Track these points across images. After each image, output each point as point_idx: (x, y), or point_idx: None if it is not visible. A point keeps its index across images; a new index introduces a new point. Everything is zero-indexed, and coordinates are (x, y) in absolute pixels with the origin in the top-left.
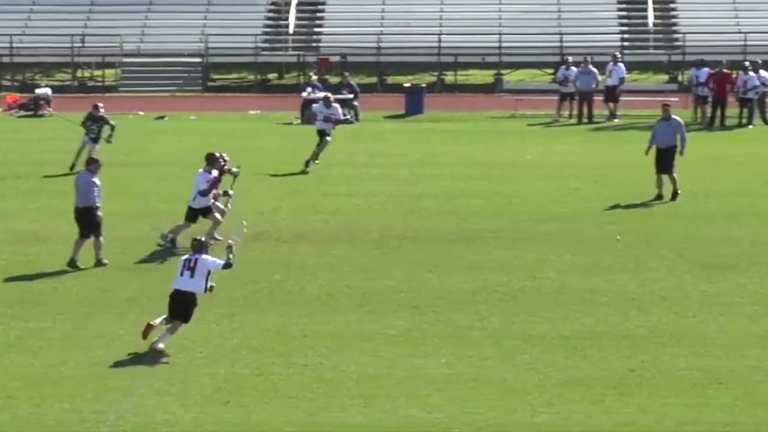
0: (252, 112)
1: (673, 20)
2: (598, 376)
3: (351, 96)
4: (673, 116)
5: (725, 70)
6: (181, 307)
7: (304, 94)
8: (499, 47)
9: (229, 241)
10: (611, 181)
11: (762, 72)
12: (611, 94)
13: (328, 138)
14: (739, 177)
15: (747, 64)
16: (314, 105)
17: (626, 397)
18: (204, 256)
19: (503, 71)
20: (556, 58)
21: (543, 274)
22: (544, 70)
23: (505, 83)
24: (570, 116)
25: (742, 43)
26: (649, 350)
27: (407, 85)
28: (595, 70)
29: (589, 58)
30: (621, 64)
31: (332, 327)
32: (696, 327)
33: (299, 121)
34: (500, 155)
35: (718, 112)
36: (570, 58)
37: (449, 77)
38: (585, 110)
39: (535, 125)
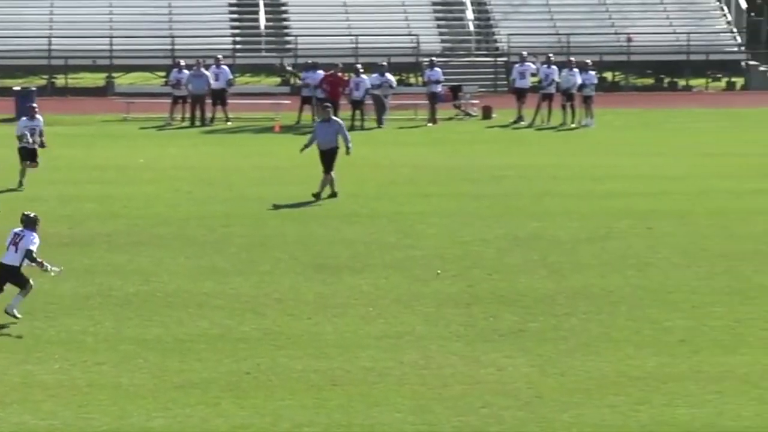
0: None
1: (285, 23)
2: (214, 379)
3: None
4: (333, 118)
5: (339, 73)
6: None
7: None
8: (110, 50)
9: (47, 264)
10: (225, 183)
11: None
12: (219, 97)
13: None
14: (353, 178)
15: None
16: None
17: (242, 400)
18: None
19: (115, 74)
20: (168, 61)
21: (157, 278)
22: (157, 74)
23: (117, 86)
24: (183, 119)
25: (354, 45)
26: (264, 353)
27: (17, 88)
28: (207, 73)
29: (201, 61)
30: (225, 67)
31: None
32: (311, 329)
33: None
34: (113, 158)
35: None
36: (182, 61)
37: (60, 80)
38: (198, 113)
39: (148, 128)
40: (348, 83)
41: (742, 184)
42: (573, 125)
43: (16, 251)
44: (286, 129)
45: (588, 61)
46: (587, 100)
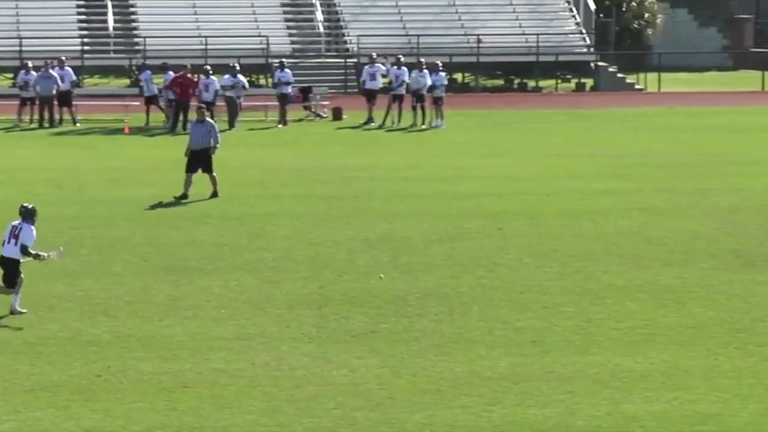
0: None
1: (134, 24)
2: (65, 382)
3: None
4: (207, 119)
5: (188, 74)
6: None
7: None
8: None
9: (42, 253)
10: (74, 185)
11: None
12: (64, 99)
13: None
14: (204, 180)
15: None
16: None
17: (93, 403)
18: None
19: None
20: (16, 63)
21: None
22: (4, 75)
23: None
24: (31, 121)
25: (203, 47)
26: (115, 355)
27: None
28: (55, 74)
29: (49, 63)
30: (69, 68)
31: None
32: (162, 331)
33: None
34: None
35: (182, 116)
36: (30, 63)
37: None
38: (46, 115)
39: None
40: (197, 85)
41: (591, 185)
42: (423, 126)
43: (15, 244)
44: (135, 131)
45: (438, 62)
46: (437, 101)
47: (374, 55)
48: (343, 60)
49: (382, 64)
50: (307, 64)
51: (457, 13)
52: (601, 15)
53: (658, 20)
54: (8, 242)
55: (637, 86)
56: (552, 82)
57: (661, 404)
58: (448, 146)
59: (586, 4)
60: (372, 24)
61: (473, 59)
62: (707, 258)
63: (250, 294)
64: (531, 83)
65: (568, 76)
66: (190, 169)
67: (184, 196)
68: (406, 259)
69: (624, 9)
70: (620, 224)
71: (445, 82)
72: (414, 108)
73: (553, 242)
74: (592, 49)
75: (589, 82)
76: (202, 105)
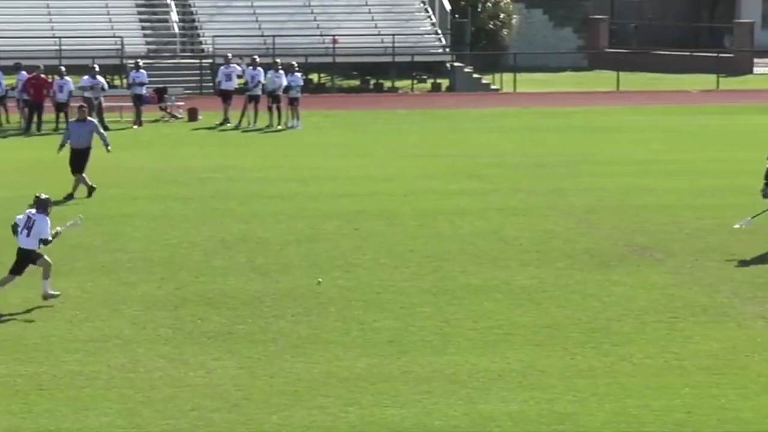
0: None
1: None
2: None
3: None
4: (89, 118)
5: (42, 75)
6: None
7: None
8: None
9: (58, 228)
10: None
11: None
12: None
13: None
14: (60, 182)
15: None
16: None
17: None
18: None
19: None
20: None
21: None
22: None
23: None
24: None
25: (57, 47)
26: None
27: None
28: None
29: None
30: None
31: None
32: (17, 333)
33: None
34: None
35: (36, 117)
36: None
37: None
38: None
39: None
40: (52, 85)
41: (448, 185)
42: (279, 127)
43: (28, 235)
44: None
45: (294, 62)
46: (293, 102)
47: (230, 55)
48: (198, 60)
49: (238, 64)
50: (163, 64)
51: (312, 13)
52: (457, 15)
53: (514, 21)
54: (22, 233)
55: (492, 86)
56: (408, 82)
57: (517, 404)
58: (305, 147)
59: (442, 5)
60: (227, 24)
61: (329, 60)
62: (563, 258)
63: (105, 295)
64: (387, 84)
65: (424, 77)
66: (76, 169)
67: (70, 196)
68: (262, 260)
69: (479, 9)
70: (476, 224)
71: (301, 83)
72: (270, 108)
73: (410, 242)
74: (447, 50)
75: (444, 83)
76: (84, 105)
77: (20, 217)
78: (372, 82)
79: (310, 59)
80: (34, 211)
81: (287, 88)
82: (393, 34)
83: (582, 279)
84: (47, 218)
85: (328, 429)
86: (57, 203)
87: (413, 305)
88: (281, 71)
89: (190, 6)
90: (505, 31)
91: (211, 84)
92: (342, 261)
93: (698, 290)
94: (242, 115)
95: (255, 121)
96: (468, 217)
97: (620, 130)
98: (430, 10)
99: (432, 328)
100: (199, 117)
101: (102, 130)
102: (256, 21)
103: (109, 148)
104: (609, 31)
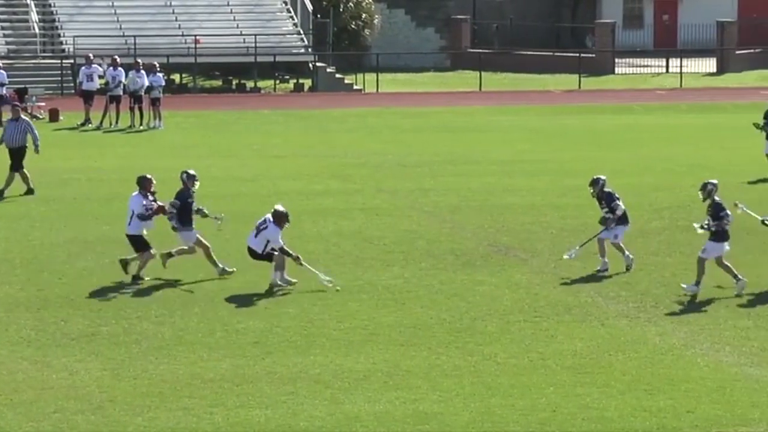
0: None
1: None
2: None
3: None
4: (22, 116)
5: None
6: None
7: None
8: None
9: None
10: None
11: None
12: None
13: None
14: None
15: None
16: None
17: None
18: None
19: None
20: None
21: None
22: None
23: None
24: None
25: None
26: None
27: None
28: None
29: None
30: None
31: None
32: None
33: None
34: None
35: None
36: None
37: None
38: None
39: None
40: None
41: (311, 185)
42: (141, 128)
43: (256, 236)
44: None
45: (155, 63)
46: (155, 102)
47: (91, 56)
48: (59, 61)
49: (99, 65)
50: (23, 65)
51: (173, 13)
52: (319, 16)
53: (376, 21)
54: (252, 232)
55: (355, 87)
56: (270, 82)
57: (382, 404)
58: (167, 147)
59: (304, 5)
60: (88, 25)
61: (191, 60)
62: (427, 258)
63: None
64: (249, 84)
65: (287, 77)
66: (15, 168)
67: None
68: None
69: (341, 10)
70: (340, 225)
71: (163, 83)
72: (131, 109)
73: None
74: (310, 50)
75: (307, 83)
76: (17, 104)
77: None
78: (234, 82)
79: (172, 59)
80: (270, 217)
81: (149, 89)
82: (255, 35)
83: (446, 279)
84: (279, 231)
85: (192, 430)
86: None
87: (278, 306)
88: (143, 71)
89: (50, 6)
90: (367, 32)
91: (72, 84)
92: (204, 262)
93: (562, 290)
94: (104, 116)
95: (117, 122)
96: (332, 217)
97: (483, 130)
98: (291, 10)
99: (297, 329)
100: (61, 117)
101: (35, 131)
102: (117, 21)
103: (38, 149)
104: (471, 32)
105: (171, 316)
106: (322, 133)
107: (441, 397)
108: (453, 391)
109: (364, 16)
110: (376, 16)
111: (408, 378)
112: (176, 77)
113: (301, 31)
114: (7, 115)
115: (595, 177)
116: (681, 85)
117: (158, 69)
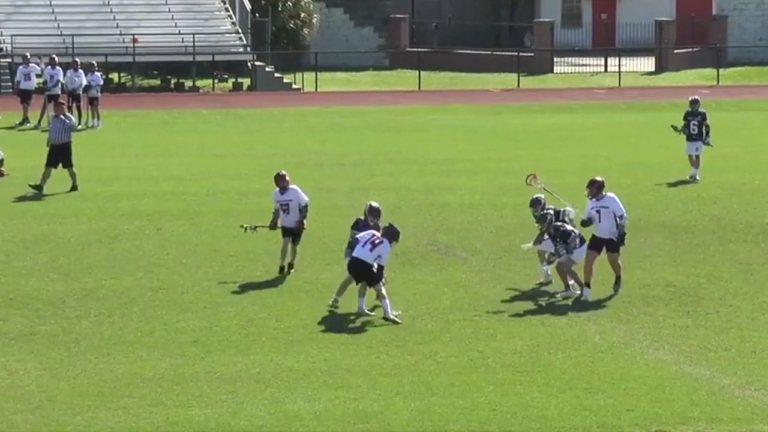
0: None
1: None
2: None
3: None
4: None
5: None
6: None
7: None
8: None
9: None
10: None
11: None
12: None
13: None
14: None
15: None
16: None
17: None
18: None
19: None
20: None
21: None
22: None
23: None
24: None
25: None
26: None
27: None
28: None
29: None
30: None
31: None
32: None
33: None
34: None
35: None
36: None
37: None
38: None
39: None
40: None
41: (250, 185)
42: (80, 127)
43: (371, 250)
44: None
45: (93, 62)
46: (93, 102)
47: (28, 55)
48: None
49: (37, 63)
50: None
51: (111, 12)
52: (257, 15)
53: (314, 20)
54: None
55: (294, 86)
56: (209, 81)
57: (323, 403)
58: (105, 147)
59: (242, 4)
60: (26, 23)
61: (129, 59)
62: None
63: None
64: (188, 83)
65: (225, 76)
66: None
67: None
68: (64, 260)
69: (280, 9)
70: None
71: (101, 82)
72: (69, 108)
73: (213, 242)
74: (248, 49)
75: (246, 82)
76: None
77: (363, 235)
78: (173, 81)
79: (110, 59)
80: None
81: (87, 88)
82: (193, 34)
83: (386, 277)
84: (389, 247)
85: (132, 430)
86: None
87: (217, 305)
88: (81, 70)
89: None
90: (306, 31)
91: (9, 83)
92: (145, 261)
93: (501, 288)
94: (41, 115)
95: None
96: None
97: (422, 129)
98: (230, 9)
99: (236, 328)
100: None
101: None
102: (55, 20)
103: None
104: (410, 31)
105: (110, 315)
106: (261, 133)
107: (381, 395)
108: (393, 389)
109: (302, 15)
110: (315, 15)
111: (348, 377)
112: (115, 76)
113: (240, 30)
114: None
115: (535, 197)
116: (619, 84)
117: (97, 68)
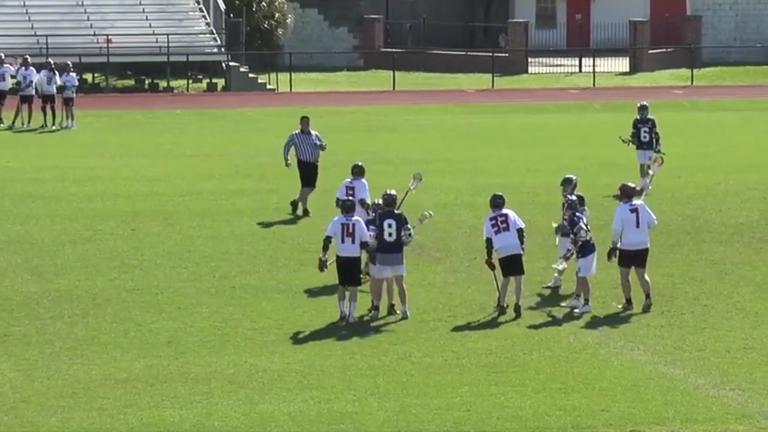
0: None
1: None
2: None
3: None
4: None
5: None
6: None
7: None
8: None
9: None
10: None
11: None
12: None
13: None
14: None
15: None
16: None
17: None
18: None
19: None
20: None
21: None
22: None
23: None
24: None
25: None
26: None
27: None
28: None
29: None
30: None
31: None
32: None
33: None
34: None
35: None
36: None
37: None
38: None
39: None
40: None
41: (225, 185)
42: (54, 127)
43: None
44: None
45: (68, 62)
46: (68, 102)
47: (2, 55)
48: None
49: (11, 64)
50: None
51: (85, 13)
52: (231, 15)
53: (289, 20)
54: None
55: (269, 86)
56: (183, 82)
57: (297, 403)
58: (80, 147)
59: (216, 4)
60: None
61: (103, 59)
62: None
63: None
64: (162, 83)
65: (200, 77)
66: None
67: None
68: (38, 261)
69: (254, 9)
70: (254, 224)
71: (76, 83)
72: (44, 109)
73: (188, 243)
74: (223, 49)
75: (220, 82)
76: None
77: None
78: (147, 82)
79: (84, 59)
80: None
81: (61, 88)
82: (167, 34)
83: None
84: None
85: (106, 431)
86: None
87: (191, 306)
88: (55, 71)
89: None
90: (280, 31)
91: None
92: (119, 262)
93: (476, 289)
94: (15, 116)
95: (29, 122)
96: (245, 217)
97: (397, 130)
98: (204, 9)
99: (210, 329)
100: None
101: None
102: (29, 21)
103: None
104: (384, 31)
105: (84, 316)
106: (236, 133)
107: (356, 396)
108: (368, 390)
109: (276, 15)
110: (289, 15)
111: (322, 377)
112: (89, 77)
113: (214, 31)
114: None
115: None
116: (594, 85)
117: (72, 69)
